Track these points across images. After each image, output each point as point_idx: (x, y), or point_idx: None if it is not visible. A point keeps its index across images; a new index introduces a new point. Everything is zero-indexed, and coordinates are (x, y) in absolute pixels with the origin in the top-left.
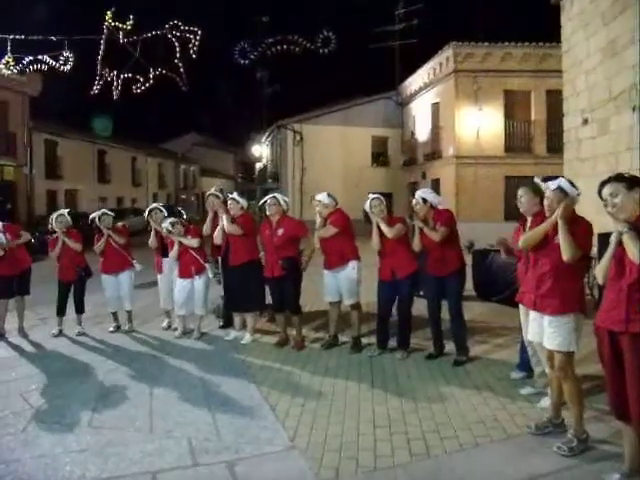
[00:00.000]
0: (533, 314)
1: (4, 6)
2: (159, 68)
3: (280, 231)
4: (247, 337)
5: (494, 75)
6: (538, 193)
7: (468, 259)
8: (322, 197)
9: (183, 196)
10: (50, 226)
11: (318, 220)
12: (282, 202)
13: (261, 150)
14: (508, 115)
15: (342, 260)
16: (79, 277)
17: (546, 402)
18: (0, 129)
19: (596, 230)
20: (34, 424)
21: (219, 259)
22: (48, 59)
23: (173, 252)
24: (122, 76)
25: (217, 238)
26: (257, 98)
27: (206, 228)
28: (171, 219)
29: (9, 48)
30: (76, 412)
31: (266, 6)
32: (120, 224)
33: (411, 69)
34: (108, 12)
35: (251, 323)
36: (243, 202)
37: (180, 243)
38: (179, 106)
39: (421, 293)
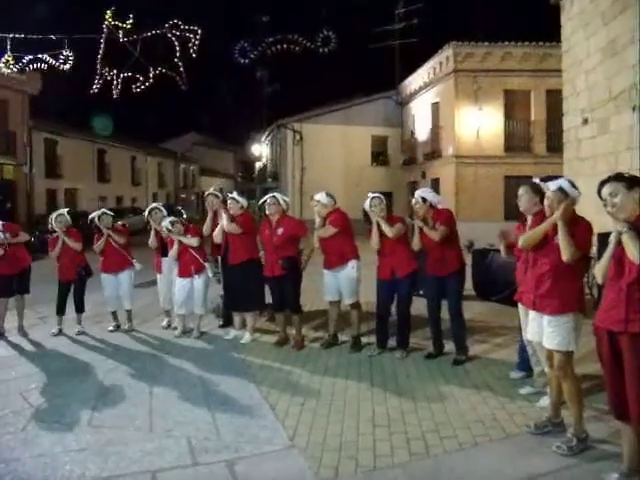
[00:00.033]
0: (532, 314)
1: (4, 5)
2: (159, 67)
3: (280, 230)
4: (247, 336)
5: (494, 75)
6: (538, 192)
7: (468, 259)
8: (321, 197)
9: (183, 195)
10: (50, 226)
11: (317, 220)
12: (282, 201)
13: (261, 149)
14: (508, 115)
15: (342, 259)
16: (79, 276)
17: (545, 401)
18: (0, 128)
19: (596, 230)
20: (34, 423)
21: (219, 258)
22: (48, 58)
23: (173, 251)
24: (122, 75)
25: (217, 237)
26: (257, 97)
27: (206, 228)
28: (171, 218)
29: (9, 47)
30: (76, 411)
31: (266, 6)
32: (120, 223)
33: (411, 69)
34: (108, 11)
35: (251, 322)
36: (243, 201)
37: (180, 242)
38: (179, 105)
39: (420, 292)
